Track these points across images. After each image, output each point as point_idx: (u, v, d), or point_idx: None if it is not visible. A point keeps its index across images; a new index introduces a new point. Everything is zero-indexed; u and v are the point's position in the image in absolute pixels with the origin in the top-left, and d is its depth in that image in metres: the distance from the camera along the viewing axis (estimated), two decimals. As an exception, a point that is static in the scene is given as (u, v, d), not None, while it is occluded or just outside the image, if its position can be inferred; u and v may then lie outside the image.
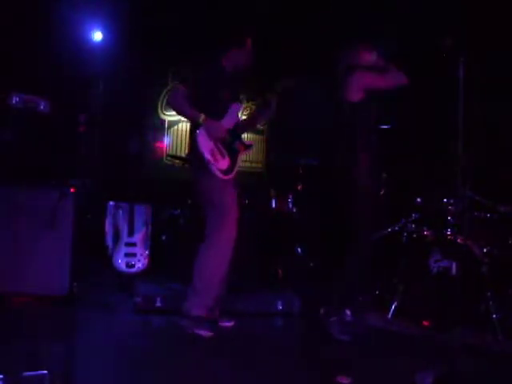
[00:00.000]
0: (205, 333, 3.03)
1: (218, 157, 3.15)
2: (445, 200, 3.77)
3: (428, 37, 3.94)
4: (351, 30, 5.13)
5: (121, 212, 4.58)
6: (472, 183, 3.52)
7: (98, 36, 5.32)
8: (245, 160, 6.49)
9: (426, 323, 3.44)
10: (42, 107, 4.05)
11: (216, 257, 3.14)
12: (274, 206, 5.04)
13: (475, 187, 3.65)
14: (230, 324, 3.27)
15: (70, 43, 5.08)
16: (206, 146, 3.12)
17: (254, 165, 6.59)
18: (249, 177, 6.36)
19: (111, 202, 4.81)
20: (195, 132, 3.13)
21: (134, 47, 5.43)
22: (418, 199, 4.02)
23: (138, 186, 4.89)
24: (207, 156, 3.10)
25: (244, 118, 3.53)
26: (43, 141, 4.38)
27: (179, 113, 3.37)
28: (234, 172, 3.27)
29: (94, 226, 4.85)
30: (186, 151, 3.42)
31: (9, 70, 4.45)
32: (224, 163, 3.19)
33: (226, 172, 3.18)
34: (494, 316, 3.32)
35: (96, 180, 5.22)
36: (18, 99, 3.99)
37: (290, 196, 5.18)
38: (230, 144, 3.27)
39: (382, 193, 4.37)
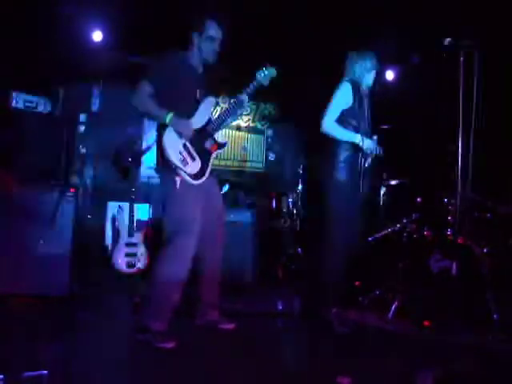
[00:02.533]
0: (169, 344, 2.80)
1: (188, 160, 2.90)
2: (445, 200, 3.77)
3: (428, 37, 3.93)
4: (351, 30, 5.13)
5: (121, 212, 4.58)
6: (472, 183, 3.52)
7: (97, 36, 5.32)
8: (244, 160, 6.50)
9: (426, 323, 3.44)
10: (41, 107, 4.06)
11: (169, 268, 2.88)
12: (274, 206, 5.04)
13: (475, 187, 3.65)
14: (230, 326, 3.22)
15: (70, 43, 5.07)
16: (173, 149, 2.86)
17: (253, 165, 6.60)
18: (249, 177, 6.37)
19: (111, 202, 4.82)
20: (160, 134, 2.88)
21: (134, 47, 5.43)
22: (418, 199, 4.02)
23: (137, 186, 4.88)
24: (174, 161, 2.84)
25: (217, 114, 3.17)
26: (43, 141, 4.38)
27: (144, 113, 2.99)
28: (207, 175, 3.00)
29: (94, 226, 4.85)
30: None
31: (9, 70, 4.45)
32: (194, 166, 2.92)
33: (196, 176, 2.92)
34: (495, 316, 3.32)
35: (96, 180, 5.22)
36: (18, 99, 4.00)
37: (290, 196, 5.18)
38: (201, 144, 2.99)
39: (382, 193, 4.37)
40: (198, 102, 3.02)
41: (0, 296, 3.40)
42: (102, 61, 5.34)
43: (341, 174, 3.32)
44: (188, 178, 2.89)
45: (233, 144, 6.30)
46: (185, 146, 2.91)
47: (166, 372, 2.54)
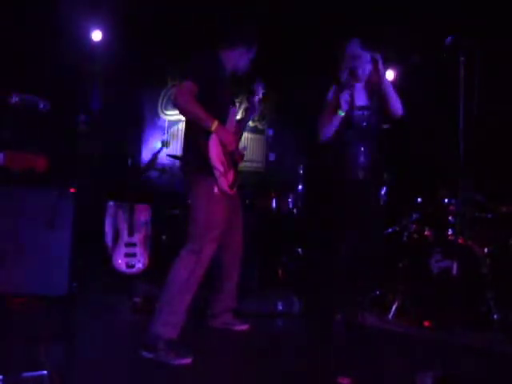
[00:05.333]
0: (185, 360, 2.63)
1: (227, 169, 2.87)
2: (445, 200, 3.77)
3: (429, 36, 3.93)
4: (351, 29, 5.12)
5: (121, 212, 4.58)
6: (473, 183, 3.52)
7: (97, 36, 5.32)
8: (245, 160, 6.49)
9: (426, 323, 3.44)
10: (41, 107, 4.05)
11: (187, 275, 2.77)
12: (273, 205, 5.04)
13: (476, 187, 3.65)
14: (244, 327, 3.23)
15: (70, 43, 5.07)
16: (217, 155, 2.80)
17: (254, 165, 6.60)
18: (249, 177, 6.37)
19: (111, 202, 4.81)
20: (206, 138, 2.78)
21: (134, 47, 5.43)
22: (419, 199, 4.02)
23: (137, 186, 4.88)
24: (219, 167, 2.79)
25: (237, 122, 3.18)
26: (43, 141, 4.38)
27: (188, 114, 2.84)
28: (236, 186, 3.01)
29: (94, 226, 4.85)
30: (183, 153, 3.03)
31: (9, 70, 4.45)
32: (230, 176, 2.93)
33: (232, 186, 2.93)
34: (495, 316, 3.32)
35: (96, 180, 5.22)
36: (17, 99, 3.99)
37: (290, 196, 5.18)
38: (233, 154, 3.00)
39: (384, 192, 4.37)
40: (227, 110, 2.99)
41: (0, 296, 3.40)
42: (102, 60, 5.34)
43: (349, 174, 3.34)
44: (226, 187, 2.86)
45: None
46: (225, 154, 2.88)
47: (164, 371, 2.54)
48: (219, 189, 2.82)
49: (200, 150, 2.80)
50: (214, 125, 2.76)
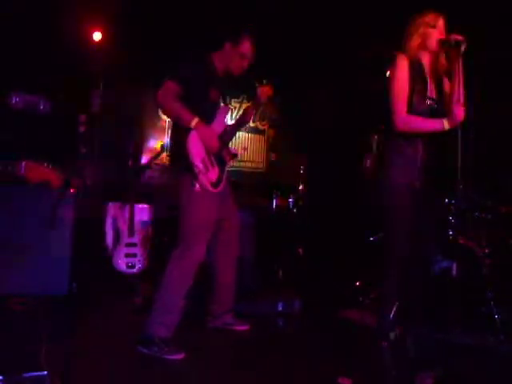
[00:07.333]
0: (177, 356, 2.70)
1: (209, 167, 2.85)
2: (446, 200, 3.76)
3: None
4: (351, 30, 5.13)
5: (121, 212, 4.57)
6: (473, 183, 3.52)
7: (97, 36, 5.32)
8: (245, 160, 6.50)
9: (425, 323, 3.44)
10: (41, 107, 4.06)
11: (180, 270, 2.83)
12: (273, 205, 5.04)
13: (476, 187, 3.65)
14: (244, 328, 3.23)
15: (70, 43, 5.07)
16: (197, 152, 2.80)
17: (254, 165, 6.60)
18: (249, 177, 6.38)
19: (111, 202, 4.81)
20: (186, 135, 2.79)
21: (134, 47, 5.43)
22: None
23: (137, 186, 4.88)
24: (198, 164, 2.79)
25: (230, 125, 3.16)
26: (43, 141, 4.38)
27: (168, 113, 2.93)
28: (223, 185, 2.97)
29: (94, 226, 4.85)
30: (169, 151, 3.05)
31: (9, 70, 4.45)
32: (214, 174, 2.88)
33: (215, 184, 2.88)
34: (495, 316, 3.32)
35: (96, 180, 5.22)
36: (17, 99, 3.99)
37: (290, 196, 5.19)
38: (219, 153, 2.95)
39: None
40: (215, 109, 2.98)
41: (0, 296, 3.40)
42: (102, 60, 5.34)
43: None
44: (208, 185, 2.83)
45: (233, 144, 6.30)
46: (207, 152, 2.86)
47: (164, 371, 2.54)
48: (200, 187, 2.80)
49: (181, 147, 2.81)
50: (194, 121, 2.76)
